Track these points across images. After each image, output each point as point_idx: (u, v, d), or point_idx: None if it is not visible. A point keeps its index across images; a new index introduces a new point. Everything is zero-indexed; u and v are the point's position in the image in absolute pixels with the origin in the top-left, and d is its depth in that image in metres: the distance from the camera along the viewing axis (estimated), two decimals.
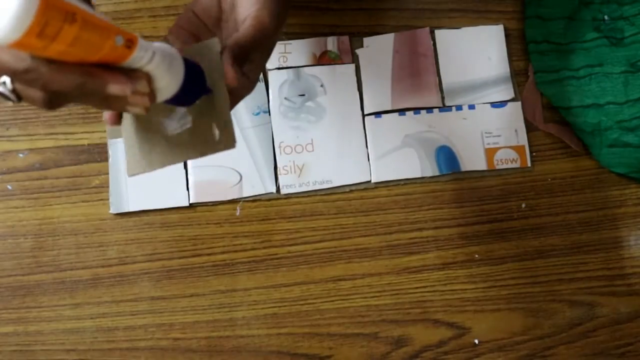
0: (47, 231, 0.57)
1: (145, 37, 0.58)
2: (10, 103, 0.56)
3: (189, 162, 0.57)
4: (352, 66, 0.60)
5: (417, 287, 0.57)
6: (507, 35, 0.61)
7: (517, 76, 0.59)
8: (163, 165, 0.36)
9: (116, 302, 0.56)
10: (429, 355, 0.56)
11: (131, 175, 0.37)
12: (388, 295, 0.56)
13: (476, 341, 0.56)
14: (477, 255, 0.57)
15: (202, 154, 0.36)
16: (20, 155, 0.58)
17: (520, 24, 0.61)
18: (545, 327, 0.56)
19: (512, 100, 0.59)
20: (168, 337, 0.55)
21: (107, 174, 0.57)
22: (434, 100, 0.59)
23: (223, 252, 0.57)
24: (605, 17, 0.59)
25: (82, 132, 0.59)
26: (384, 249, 0.57)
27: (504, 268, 0.57)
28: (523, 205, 0.57)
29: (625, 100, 0.58)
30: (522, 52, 0.61)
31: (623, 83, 0.58)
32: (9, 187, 0.57)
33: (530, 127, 0.59)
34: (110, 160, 0.57)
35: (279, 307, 0.56)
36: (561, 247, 0.57)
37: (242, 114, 0.58)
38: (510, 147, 0.58)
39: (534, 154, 0.59)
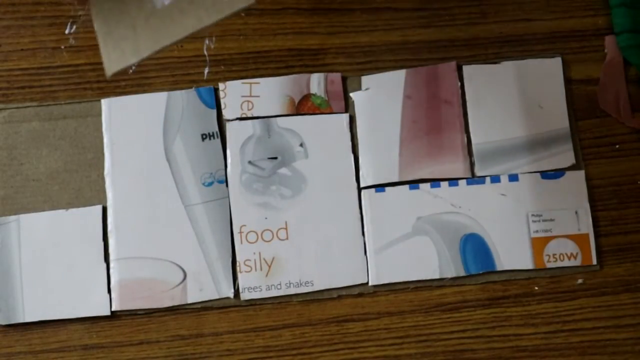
0: None
1: None
2: None
3: (112, 254, 0.49)
4: (345, 117, 0.51)
5: (453, 332, 0.50)
6: None
7: (581, 132, 0.52)
8: (157, 48, 0.32)
9: (34, 354, 0.49)
10: None
11: (112, 74, 0.33)
12: (413, 343, 0.50)
13: None
14: (536, 288, 0.51)
15: (211, 17, 0.32)
16: None
17: None
18: None
19: (572, 168, 0.51)
20: None
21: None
22: (459, 167, 0.51)
23: None
24: None
25: None
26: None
27: (574, 305, 0.51)
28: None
29: None
30: (601, 3, 0.54)
31: None
32: None
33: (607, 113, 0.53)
34: None
35: (263, 359, 0.49)
36: None
37: (187, 184, 0.50)
38: (568, 237, 0.51)
39: (617, 145, 0.52)
